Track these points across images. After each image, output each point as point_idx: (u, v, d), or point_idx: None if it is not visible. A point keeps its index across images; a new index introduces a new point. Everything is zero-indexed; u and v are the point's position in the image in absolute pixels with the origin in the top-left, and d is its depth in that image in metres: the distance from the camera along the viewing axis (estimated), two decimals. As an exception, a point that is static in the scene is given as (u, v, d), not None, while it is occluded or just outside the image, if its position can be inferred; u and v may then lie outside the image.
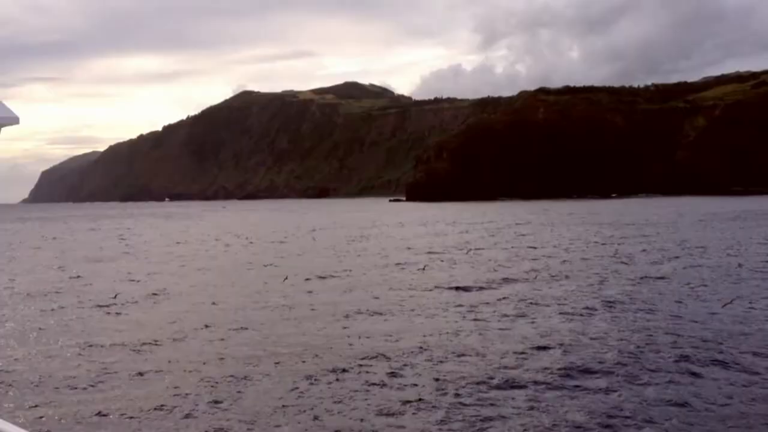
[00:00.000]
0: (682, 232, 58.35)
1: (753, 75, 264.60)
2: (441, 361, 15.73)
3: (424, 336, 18.43)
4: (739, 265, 33.18)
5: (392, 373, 14.83)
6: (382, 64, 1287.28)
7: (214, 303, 24.93)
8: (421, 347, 17.08)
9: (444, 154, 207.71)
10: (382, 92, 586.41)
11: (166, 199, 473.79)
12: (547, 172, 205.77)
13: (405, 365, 15.49)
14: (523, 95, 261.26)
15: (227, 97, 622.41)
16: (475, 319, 20.81)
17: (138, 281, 31.84)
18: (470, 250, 45.26)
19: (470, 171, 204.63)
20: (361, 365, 15.49)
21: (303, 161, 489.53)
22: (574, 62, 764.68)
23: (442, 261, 38.84)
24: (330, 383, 14.17)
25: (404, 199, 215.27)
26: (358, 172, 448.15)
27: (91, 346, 17.86)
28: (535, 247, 46.36)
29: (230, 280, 32.07)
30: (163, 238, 67.59)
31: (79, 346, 17.81)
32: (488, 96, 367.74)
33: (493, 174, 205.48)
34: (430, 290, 27.21)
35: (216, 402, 13.01)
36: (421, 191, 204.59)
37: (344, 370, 15.02)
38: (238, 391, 13.69)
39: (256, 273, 35.20)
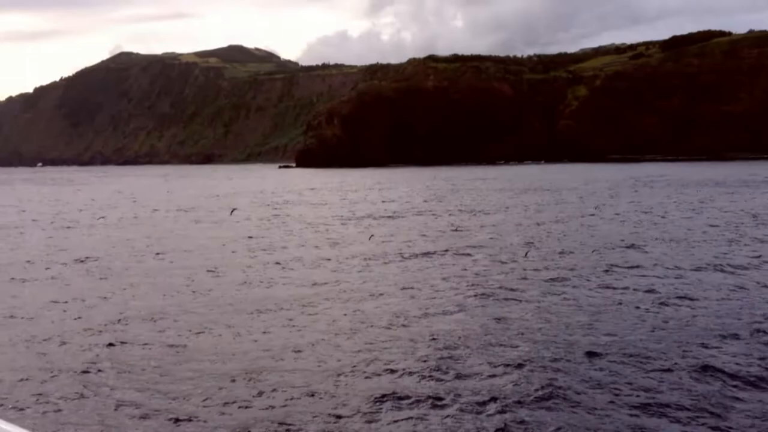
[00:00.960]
0: (601, 195, 59.99)
1: (630, 47, 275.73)
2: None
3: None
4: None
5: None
6: (268, 29, 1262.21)
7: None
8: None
9: (334, 120, 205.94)
10: (268, 57, 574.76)
11: (39, 164, 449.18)
12: (436, 139, 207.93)
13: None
14: (413, 62, 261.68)
15: (104, 59, 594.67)
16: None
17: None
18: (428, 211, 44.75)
19: (361, 137, 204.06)
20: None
21: (186, 126, 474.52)
22: (459, 31, 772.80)
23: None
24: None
25: (294, 165, 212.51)
26: (244, 138, 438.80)
27: None
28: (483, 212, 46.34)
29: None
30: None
31: None
32: (377, 62, 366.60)
33: (384, 140, 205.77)
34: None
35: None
36: (312, 157, 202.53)
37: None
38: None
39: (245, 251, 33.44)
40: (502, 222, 39.97)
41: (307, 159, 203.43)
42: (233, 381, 12.43)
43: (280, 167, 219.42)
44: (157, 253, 28.77)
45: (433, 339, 14.92)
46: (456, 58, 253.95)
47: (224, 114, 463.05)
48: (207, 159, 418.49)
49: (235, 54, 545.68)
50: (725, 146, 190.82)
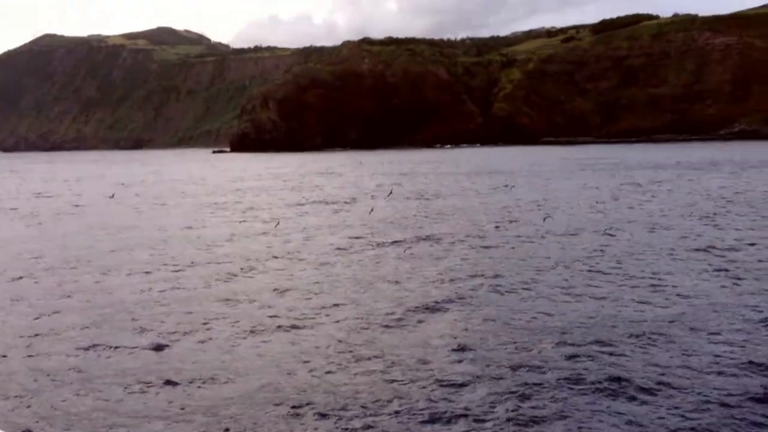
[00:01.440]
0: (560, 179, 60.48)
1: (561, 30, 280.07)
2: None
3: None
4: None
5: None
6: (197, 11, 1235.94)
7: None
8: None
9: (269, 103, 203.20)
10: (198, 39, 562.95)
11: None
12: (373, 123, 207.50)
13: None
14: (347, 45, 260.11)
15: (26, 41, 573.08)
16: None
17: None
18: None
19: (297, 121, 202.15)
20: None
21: (114, 110, 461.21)
22: (392, 14, 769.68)
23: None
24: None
25: (228, 150, 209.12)
26: (175, 123, 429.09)
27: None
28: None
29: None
30: None
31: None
32: (311, 45, 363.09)
33: (321, 124, 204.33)
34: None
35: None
36: (247, 142, 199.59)
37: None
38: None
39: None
40: (469, 207, 39.82)
41: (242, 143, 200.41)
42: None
43: (214, 152, 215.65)
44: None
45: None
46: (391, 41, 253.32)
47: (154, 98, 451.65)
48: (137, 144, 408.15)
49: (164, 36, 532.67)
50: (653, 128, 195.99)
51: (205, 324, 15.81)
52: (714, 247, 24.03)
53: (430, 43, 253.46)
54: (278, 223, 32.68)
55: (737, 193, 43.86)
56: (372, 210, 38.04)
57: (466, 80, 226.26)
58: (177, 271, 22.03)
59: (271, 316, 16.34)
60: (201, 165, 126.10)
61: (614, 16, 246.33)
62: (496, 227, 30.66)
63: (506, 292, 18.28)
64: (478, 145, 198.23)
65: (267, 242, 27.90)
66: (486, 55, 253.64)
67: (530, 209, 37.84)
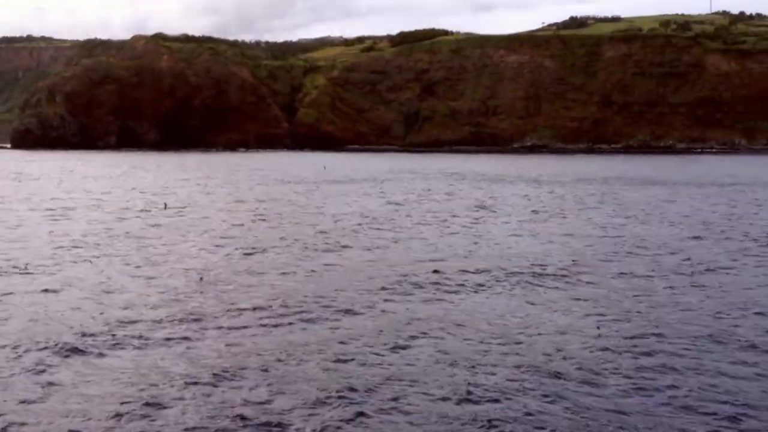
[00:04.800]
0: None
1: (358, 39, 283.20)
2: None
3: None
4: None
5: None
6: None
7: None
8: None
9: (57, 97, 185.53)
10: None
11: None
12: (173, 123, 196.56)
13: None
14: (139, 39, 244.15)
15: None
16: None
17: None
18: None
19: (89, 118, 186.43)
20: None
21: None
22: (171, 11, 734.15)
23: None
24: None
25: (9, 146, 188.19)
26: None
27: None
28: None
29: None
30: None
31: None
32: (95, 38, 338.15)
33: (115, 122, 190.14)
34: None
35: None
36: (31, 139, 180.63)
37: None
38: None
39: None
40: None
41: (26, 140, 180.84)
42: None
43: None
44: None
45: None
46: (188, 39, 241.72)
47: None
48: None
49: None
50: (454, 140, 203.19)
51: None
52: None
53: (231, 44, 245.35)
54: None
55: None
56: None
57: (269, 83, 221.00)
58: None
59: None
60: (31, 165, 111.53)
61: (396, 30, 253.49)
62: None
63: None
64: (285, 149, 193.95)
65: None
66: (283, 59, 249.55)
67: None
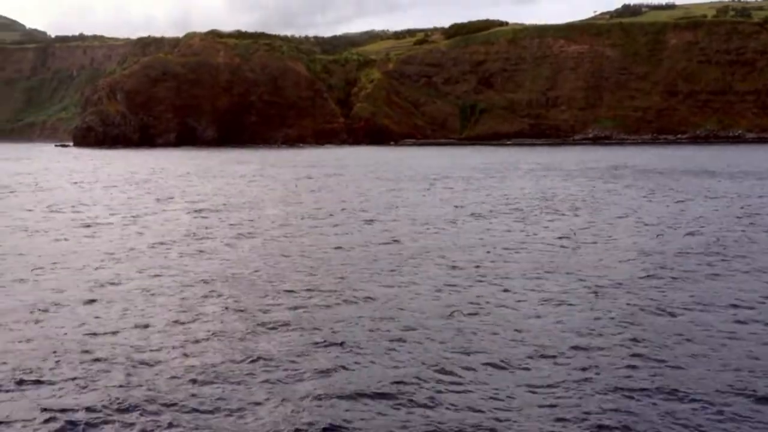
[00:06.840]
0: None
1: (409, 32, 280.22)
2: None
3: None
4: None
5: None
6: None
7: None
8: None
9: (118, 95, 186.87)
10: (11, 24, 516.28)
11: None
12: (231, 119, 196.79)
13: None
14: (194, 36, 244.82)
15: None
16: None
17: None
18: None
19: (149, 115, 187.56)
20: None
21: None
22: (214, 9, 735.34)
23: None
24: None
25: (71, 144, 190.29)
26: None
27: None
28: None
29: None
30: None
31: None
32: (148, 36, 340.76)
33: (174, 119, 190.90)
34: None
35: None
36: (93, 137, 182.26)
37: None
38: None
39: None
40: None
41: (87, 138, 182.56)
42: None
43: (56, 146, 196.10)
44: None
45: None
46: (242, 35, 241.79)
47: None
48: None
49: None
50: (512, 132, 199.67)
51: None
52: None
53: (286, 39, 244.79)
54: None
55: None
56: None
57: (325, 78, 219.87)
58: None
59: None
60: (74, 162, 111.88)
61: (440, 23, 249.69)
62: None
63: None
64: (343, 144, 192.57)
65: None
66: (339, 53, 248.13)
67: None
